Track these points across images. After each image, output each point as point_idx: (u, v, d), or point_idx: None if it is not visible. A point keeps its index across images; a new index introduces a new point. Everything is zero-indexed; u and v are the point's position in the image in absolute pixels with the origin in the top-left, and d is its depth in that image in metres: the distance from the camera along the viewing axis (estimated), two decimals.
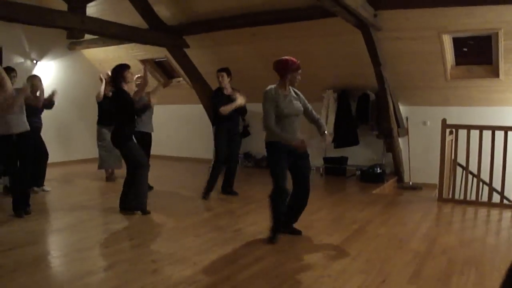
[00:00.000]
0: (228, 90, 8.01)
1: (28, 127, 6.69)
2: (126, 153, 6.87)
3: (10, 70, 6.95)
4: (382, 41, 8.63)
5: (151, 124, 8.70)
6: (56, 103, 8.58)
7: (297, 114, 5.61)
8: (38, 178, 8.42)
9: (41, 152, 8.28)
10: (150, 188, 8.72)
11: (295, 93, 5.73)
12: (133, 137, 6.87)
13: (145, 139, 8.45)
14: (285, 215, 5.77)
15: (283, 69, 5.54)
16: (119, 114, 6.82)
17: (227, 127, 7.99)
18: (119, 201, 7.04)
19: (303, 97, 5.80)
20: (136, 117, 7.04)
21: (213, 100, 8.12)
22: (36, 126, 7.92)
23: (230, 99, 7.88)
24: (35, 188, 8.24)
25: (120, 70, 6.76)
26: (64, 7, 8.43)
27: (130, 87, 6.97)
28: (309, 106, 5.85)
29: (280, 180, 5.52)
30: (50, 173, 10.03)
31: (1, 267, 4.54)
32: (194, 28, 10.44)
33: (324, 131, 5.91)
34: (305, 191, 5.76)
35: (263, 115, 5.60)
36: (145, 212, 6.84)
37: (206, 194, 8.06)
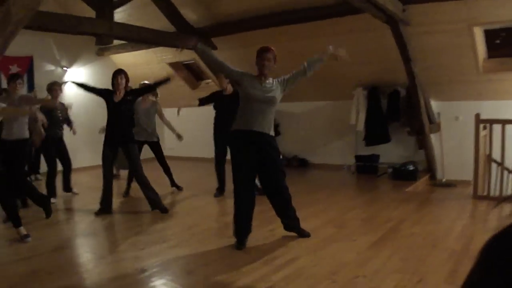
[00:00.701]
0: (227, 90, 8.16)
1: (24, 136, 6.72)
2: None
3: (16, 78, 7.05)
4: (412, 36, 8.53)
5: (144, 132, 8.58)
6: (73, 120, 8.77)
7: (266, 101, 5.27)
8: (66, 185, 8.65)
9: (65, 160, 8.38)
10: (179, 188, 8.81)
11: (276, 81, 5.54)
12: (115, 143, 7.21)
13: (151, 148, 8.80)
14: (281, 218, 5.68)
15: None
16: None
17: (219, 128, 8.23)
18: None
19: (286, 77, 5.67)
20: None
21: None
22: (59, 136, 8.11)
23: (228, 100, 7.93)
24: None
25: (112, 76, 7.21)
26: (92, 14, 8.53)
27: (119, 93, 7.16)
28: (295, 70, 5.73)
29: (239, 186, 5.30)
30: (81, 177, 10.17)
31: (39, 270, 4.59)
32: (221, 29, 10.47)
33: (327, 51, 5.65)
34: (275, 188, 5.50)
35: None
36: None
37: (216, 193, 8.42)
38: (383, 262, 4.59)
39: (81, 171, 11.32)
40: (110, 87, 7.18)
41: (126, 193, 8.51)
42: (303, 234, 5.62)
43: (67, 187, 8.63)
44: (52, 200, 7.82)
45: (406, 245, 5.17)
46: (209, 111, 12.87)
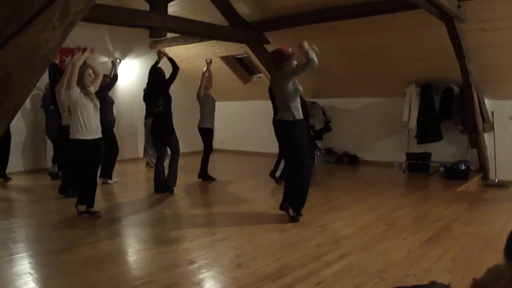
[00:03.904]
0: None
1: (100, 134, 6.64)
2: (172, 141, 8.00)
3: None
4: (466, 33, 8.38)
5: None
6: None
7: None
8: (107, 171, 8.89)
9: (113, 147, 8.53)
10: (213, 179, 9.35)
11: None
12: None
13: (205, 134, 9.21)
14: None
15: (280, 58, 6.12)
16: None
17: None
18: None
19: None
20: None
21: None
22: (109, 120, 8.31)
23: None
24: (103, 180, 8.75)
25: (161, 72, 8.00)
26: (146, 7, 8.65)
27: None
28: None
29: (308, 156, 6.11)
30: (131, 168, 10.32)
31: (89, 258, 4.71)
32: (274, 24, 10.47)
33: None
34: None
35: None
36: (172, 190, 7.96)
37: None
38: (434, 262, 4.55)
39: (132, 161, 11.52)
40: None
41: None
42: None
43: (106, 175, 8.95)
44: (110, 181, 8.77)
45: (457, 245, 5.11)
46: (257, 105, 12.95)
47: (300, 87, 6.09)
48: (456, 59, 8.63)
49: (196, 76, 10.21)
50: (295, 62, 6.01)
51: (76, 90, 6.22)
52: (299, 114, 6.06)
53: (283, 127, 6.08)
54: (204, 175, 9.23)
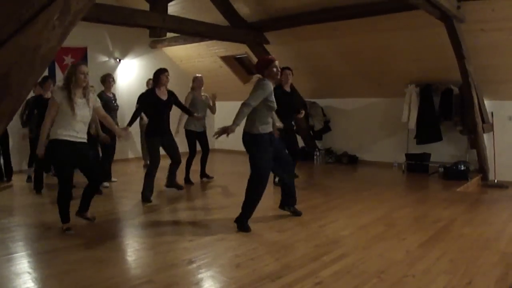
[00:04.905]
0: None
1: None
2: (147, 146, 7.82)
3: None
4: (466, 34, 8.39)
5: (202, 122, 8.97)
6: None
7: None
8: (106, 172, 8.73)
9: (110, 148, 8.47)
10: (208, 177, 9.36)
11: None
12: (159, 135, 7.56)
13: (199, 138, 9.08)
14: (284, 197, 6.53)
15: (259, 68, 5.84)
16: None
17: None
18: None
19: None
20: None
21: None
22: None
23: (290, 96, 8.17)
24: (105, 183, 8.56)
25: (156, 73, 7.50)
26: (146, 6, 8.65)
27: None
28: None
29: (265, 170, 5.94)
30: (129, 168, 10.29)
31: (89, 258, 4.70)
32: (274, 24, 10.48)
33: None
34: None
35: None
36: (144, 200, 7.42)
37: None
38: (432, 262, 4.55)
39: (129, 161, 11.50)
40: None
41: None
42: (296, 212, 6.51)
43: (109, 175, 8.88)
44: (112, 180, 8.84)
45: (456, 246, 5.11)
46: None
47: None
48: (456, 59, 8.63)
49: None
50: (274, 70, 5.65)
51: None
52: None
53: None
54: (186, 178, 9.03)
